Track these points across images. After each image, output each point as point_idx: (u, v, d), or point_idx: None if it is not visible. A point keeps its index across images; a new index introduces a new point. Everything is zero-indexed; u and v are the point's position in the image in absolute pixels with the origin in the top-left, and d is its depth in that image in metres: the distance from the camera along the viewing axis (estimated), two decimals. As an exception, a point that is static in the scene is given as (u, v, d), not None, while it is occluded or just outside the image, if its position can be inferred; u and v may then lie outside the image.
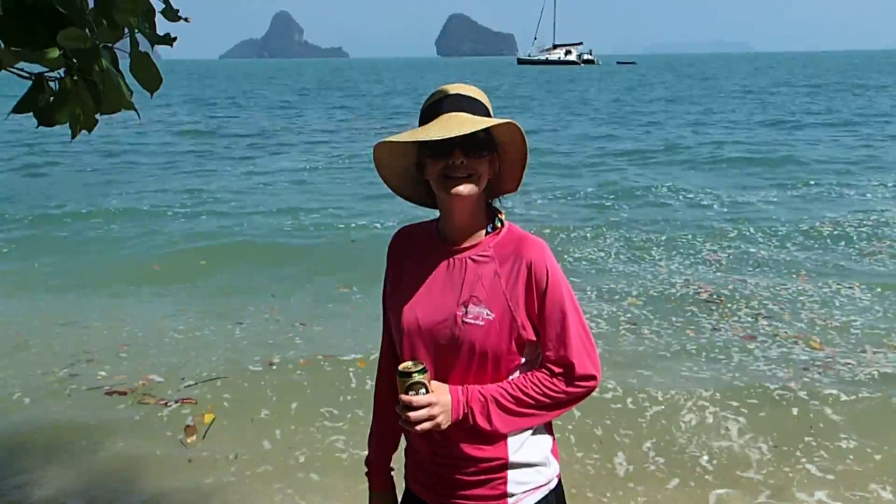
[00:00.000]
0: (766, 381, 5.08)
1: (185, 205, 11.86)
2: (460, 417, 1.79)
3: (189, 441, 4.39)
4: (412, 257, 1.95)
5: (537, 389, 1.81)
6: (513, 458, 1.87)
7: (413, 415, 1.74)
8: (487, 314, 1.81)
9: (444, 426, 1.77)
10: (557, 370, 1.82)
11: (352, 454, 4.22)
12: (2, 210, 11.30)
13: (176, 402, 4.84)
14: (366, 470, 2.12)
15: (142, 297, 7.27)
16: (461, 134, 1.71)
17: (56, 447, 4.32)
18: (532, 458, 1.90)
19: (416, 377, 1.75)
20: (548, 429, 1.97)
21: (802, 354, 5.58)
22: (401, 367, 1.78)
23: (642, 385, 4.99)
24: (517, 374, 1.87)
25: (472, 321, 1.81)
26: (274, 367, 5.40)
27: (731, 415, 4.57)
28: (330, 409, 4.77)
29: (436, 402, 1.76)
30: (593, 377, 1.85)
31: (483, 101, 1.85)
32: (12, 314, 6.70)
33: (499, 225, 1.91)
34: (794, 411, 4.68)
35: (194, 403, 4.82)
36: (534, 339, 1.85)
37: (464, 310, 1.83)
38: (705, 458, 4.14)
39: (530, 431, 1.90)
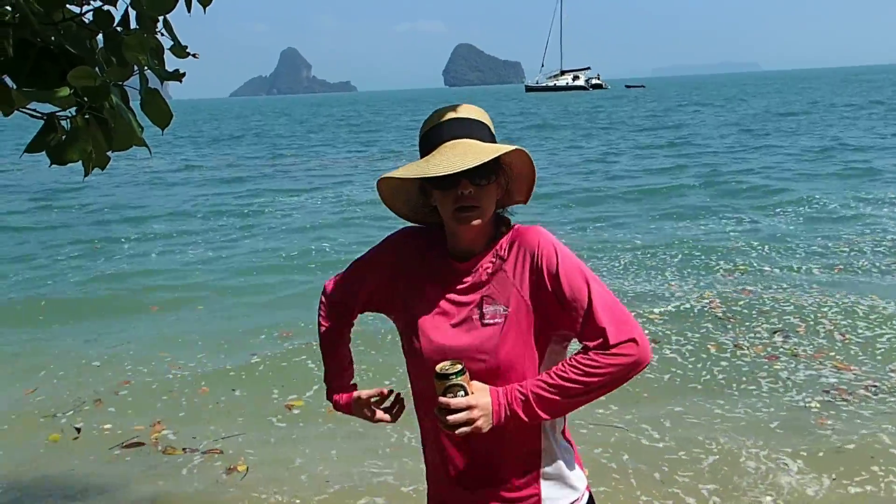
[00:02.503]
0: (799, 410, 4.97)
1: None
2: (502, 421, 1.71)
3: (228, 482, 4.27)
4: (423, 271, 1.91)
5: (577, 370, 1.69)
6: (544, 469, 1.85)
7: (452, 418, 1.68)
8: (504, 310, 1.77)
9: (484, 430, 1.70)
10: (592, 344, 1.70)
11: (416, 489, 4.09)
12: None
13: (203, 453, 4.70)
14: (333, 402, 2.08)
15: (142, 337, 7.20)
16: (465, 168, 1.67)
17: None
18: (564, 474, 1.88)
19: (455, 379, 1.69)
20: (567, 439, 1.93)
21: (831, 377, 5.48)
22: (438, 367, 1.71)
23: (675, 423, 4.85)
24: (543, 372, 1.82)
25: (491, 321, 1.78)
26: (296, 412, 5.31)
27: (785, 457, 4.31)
28: (372, 449, 4.59)
29: (475, 404, 1.69)
30: (633, 340, 1.68)
31: (486, 122, 1.82)
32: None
33: (503, 230, 1.87)
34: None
35: (220, 453, 4.68)
36: (556, 329, 1.79)
37: (479, 312, 1.80)
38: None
39: (555, 454, 1.87)
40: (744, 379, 5.46)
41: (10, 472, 4.59)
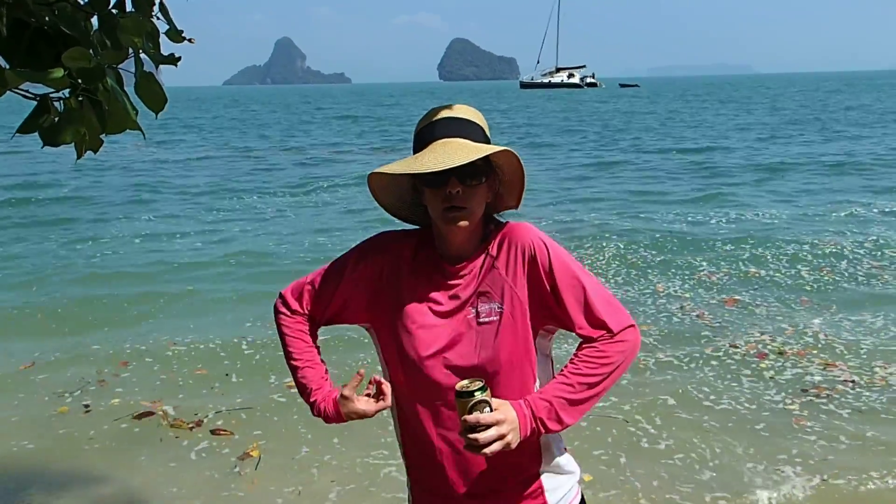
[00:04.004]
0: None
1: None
2: (528, 433, 1.68)
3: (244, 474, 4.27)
4: (412, 274, 1.87)
5: (592, 365, 1.72)
6: (544, 467, 1.87)
7: (482, 436, 1.60)
8: (498, 307, 1.77)
9: (513, 446, 1.65)
10: (597, 335, 1.75)
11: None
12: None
13: (212, 432, 4.76)
14: (321, 415, 1.88)
15: (137, 318, 7.20)
16: (453, 166, 1.66)
17: (103, 479, 4.24)
18: (562, 464, 1.90)
19: (479, 395, 1.61)
20: None
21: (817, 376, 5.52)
22: (457, 386, 1.64)
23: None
24: (538, 370, 1.82)
25: (487, 319, 1.77)
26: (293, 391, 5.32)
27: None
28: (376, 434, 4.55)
29: (503, 419, 1.63)
30: (632, 325, 1.78)
31: (479, 123, 1.81)
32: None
33: (492, 227, 1.87)
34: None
35: (231, 435, 4.72)
36: (549, 322, 1.80)
37: (474, 311, 1.79)
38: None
39: (550, 446, 1.88)
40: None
41: (22, 443, 4.64)
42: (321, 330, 1.98)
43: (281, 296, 1.98)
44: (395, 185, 1.88)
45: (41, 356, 6.07)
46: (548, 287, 1.77)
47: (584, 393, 1.72)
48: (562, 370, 1.77)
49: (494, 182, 1.82)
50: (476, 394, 1.61)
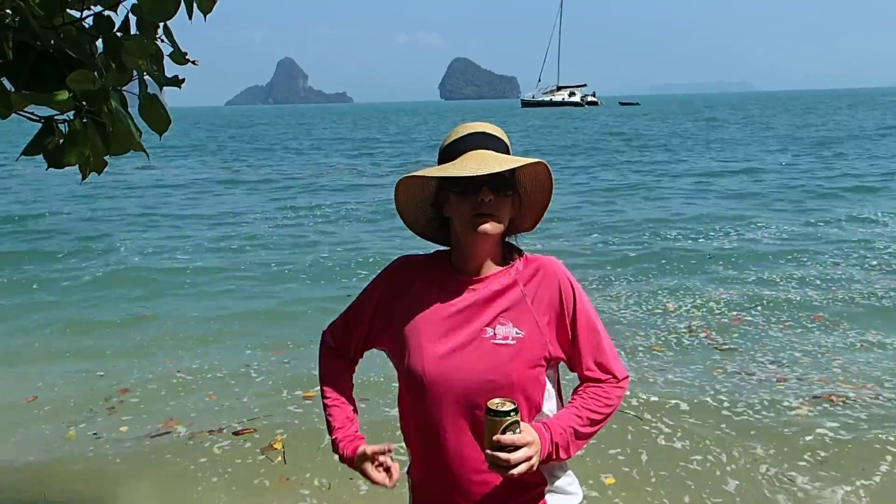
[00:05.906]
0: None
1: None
2: (544, 457, 1.73)
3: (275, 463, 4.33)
4: (425, 286, 1.90)
5: (599, 403, 1.84)
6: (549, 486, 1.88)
7: (514, 456, 1.64)
8: (517, 332, 1.80)
9: (535, 468, 1.70)
10: (604, 377, 1.87)
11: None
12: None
13: (234, 434, 4.78)
14: (339, 454, 1.92)
15: (135, 342, 7.12)
16: (493, 172, 1.74)
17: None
18: (565, 485, 1.92)
19: (514, 416, 1.63)
20: None
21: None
22: (490, 404, 1.65)
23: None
24: (548, 399, 1.85)
25: (502, 341, 1.80)
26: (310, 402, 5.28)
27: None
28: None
29: (532, 440, 1.68)
30: (627, 377, 1.92)
31: (504, 140, 1.88)
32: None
33: (516, 255, 1.92)
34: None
35: (253, 432, 4.76)
36: (560, 356, 1.86)
37: (491, 331, 1.81)
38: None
39: (554, 467, 1.88)
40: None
41: (30, 462, 4.61)
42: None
43: (322, 335, 2.10)
44: (422, 199, 1.94)
45: (43, 387, 5.97)
46: (568, 327, 1.85)
47: (588, 428, 1.83)
48: (570, 402, 1.85)
49: (517, 200, 1.88)
50: (511, 414, 1.63)
